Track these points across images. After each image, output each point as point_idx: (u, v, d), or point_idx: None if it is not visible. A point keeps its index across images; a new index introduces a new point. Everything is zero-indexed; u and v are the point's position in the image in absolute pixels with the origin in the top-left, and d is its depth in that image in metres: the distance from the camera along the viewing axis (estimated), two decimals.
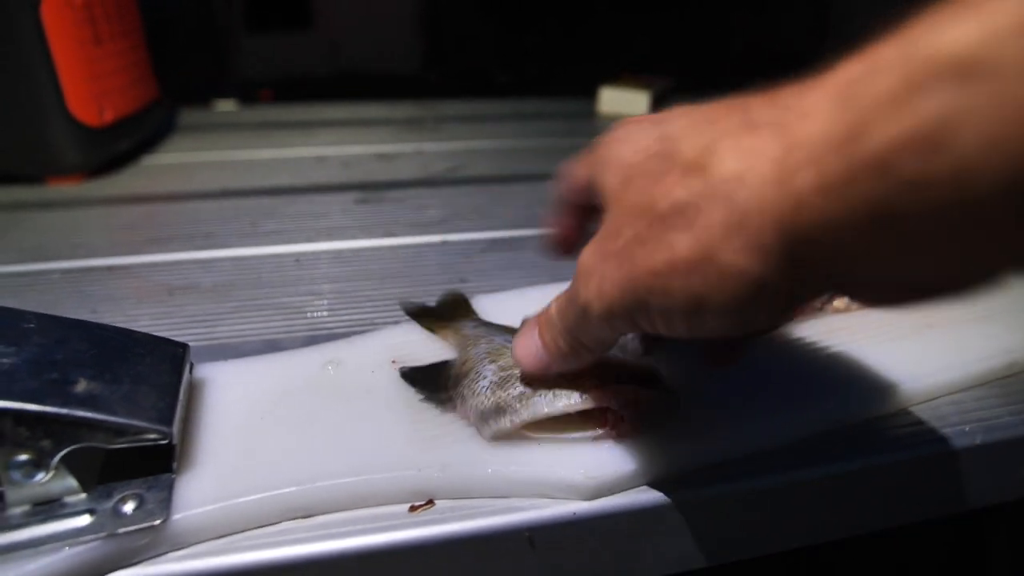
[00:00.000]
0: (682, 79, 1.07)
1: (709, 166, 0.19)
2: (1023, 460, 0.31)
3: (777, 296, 0.18)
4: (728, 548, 0.29)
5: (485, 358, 0.29)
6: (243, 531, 0.25)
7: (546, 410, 0.26)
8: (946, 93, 0.13)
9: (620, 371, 0.27)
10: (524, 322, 0.29)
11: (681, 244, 0.19)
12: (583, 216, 0.29)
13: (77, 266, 0.48)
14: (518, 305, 0.34)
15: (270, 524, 0.26)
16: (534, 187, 0.65)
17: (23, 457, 0.23)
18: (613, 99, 0.96)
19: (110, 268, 0.47)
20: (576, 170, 0.28)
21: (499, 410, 0.27)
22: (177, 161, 0.73)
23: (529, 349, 0.26)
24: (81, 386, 0.24)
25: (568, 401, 0.26)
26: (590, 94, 1.00)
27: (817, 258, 0.17)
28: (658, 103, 0.96)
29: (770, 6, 0.91)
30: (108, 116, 0.66)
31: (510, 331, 0.32)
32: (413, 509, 0.26)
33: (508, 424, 0.27)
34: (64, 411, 0.23)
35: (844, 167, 0.15)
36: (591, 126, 0.93)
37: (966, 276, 0.16)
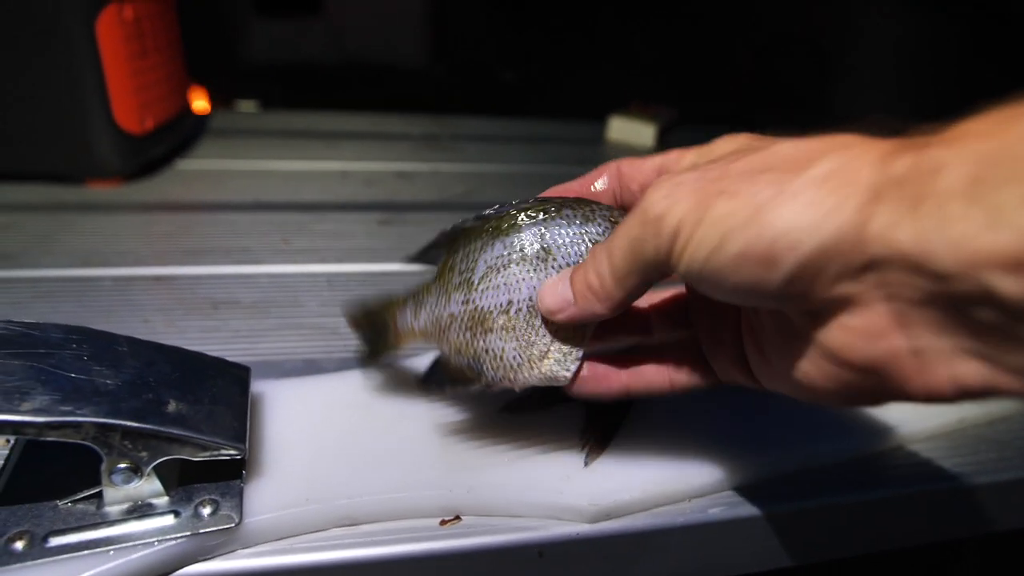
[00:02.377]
0: (686, 109, 1.12)
1: (823, 142, 0.21)
2: (966, 505, 0.37)
3: (813, 249, 0.20)
4: (714, 569, 0.34)
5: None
6: (300, 535, 0.30)
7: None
8: None
9: None
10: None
11: (774, 175, 0.21)
12: None
13: (125, 274, 0.52)
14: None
15: (322, 530, 0.30)
16: None
17: (124, 465, 0.28)
18: (621, 129, 1.00)
19: (157, 278, 0.52)
20: (645, 163, 0.30)
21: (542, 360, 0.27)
22: (208, 167, 0.77)
23: (555, 292, 0.27)
24: (172, 406, 0.29)
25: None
26: (597, 114, 1.04)
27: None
28: (664, 135, 1.01)
29: (771, 47, 0.96)
30: (149, 124, 0.71)
31: (445, 290, 0.30)
32: (443, 523, 0.31)
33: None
34: (162, 429, 0.28)
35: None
36: (599, 153, 0.97)
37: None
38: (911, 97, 0.85)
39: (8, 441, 0.34)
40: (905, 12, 0.82)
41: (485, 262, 0.28)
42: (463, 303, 0.28)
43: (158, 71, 0.73)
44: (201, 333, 0.45)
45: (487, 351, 0.28)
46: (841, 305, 0.21)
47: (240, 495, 0.30)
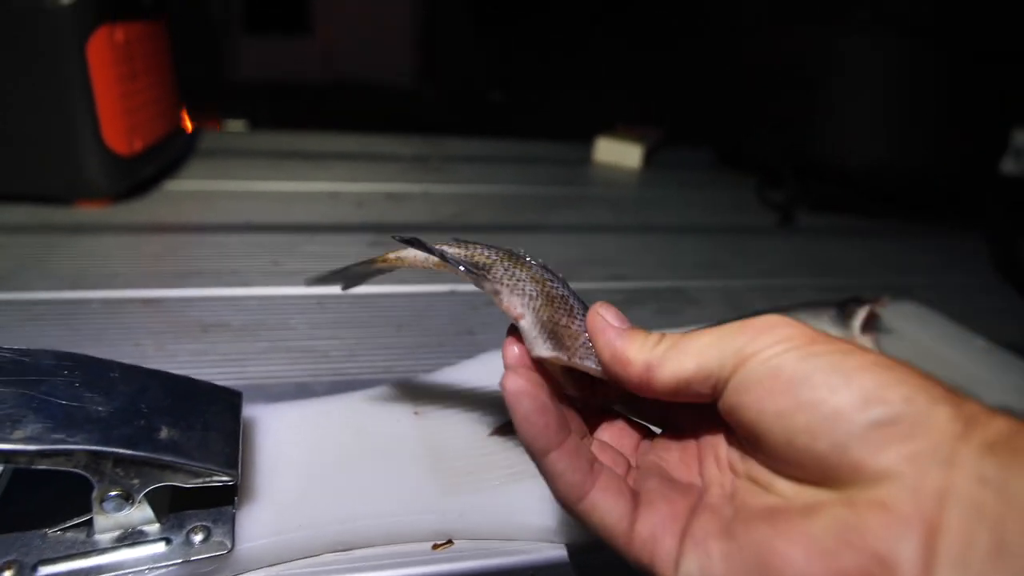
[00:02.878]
0: (673, 130, 1.14)
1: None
2: None
3: None
4: None
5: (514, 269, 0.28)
6: (293, 560, 0.30)
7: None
8: None
9: None
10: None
11: None
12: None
13: (115, 296, 0.52)
14: None
15: (315, 555, 0.30)
16: (535, 239, 0.70)
17: (115, 492, 0.28)
18: (608, 150, 1.02)
19: (146, 301, 0.52)
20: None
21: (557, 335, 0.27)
22: (197, 188, 0.77)
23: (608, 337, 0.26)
24: (164, 433, 0.29)
25: None
26: (584, 135, 1.06)
27: None
28: (651, 154, 1.03)
29: (756, 70, 0.98)
30: (138, 145, 0.71)
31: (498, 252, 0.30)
32: (435, 547, 0.31)
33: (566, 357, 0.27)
34: (154, 456, 0.28)
35: None
36: (586, 174, 0.99)
37: None
38: (890, 125, 0.87)
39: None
40: (890, 41, 0.84)
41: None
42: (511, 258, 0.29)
43: (148, 93, 0.73)
44: (191, 357, 0.45)
45: (512, 276, 0.28)
46: None
47: (232, 521, 0.30)
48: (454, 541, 0.31)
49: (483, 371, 0.42)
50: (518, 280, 0.28)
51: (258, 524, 0.30)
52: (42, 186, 0.67)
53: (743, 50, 1.03)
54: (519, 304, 0.28)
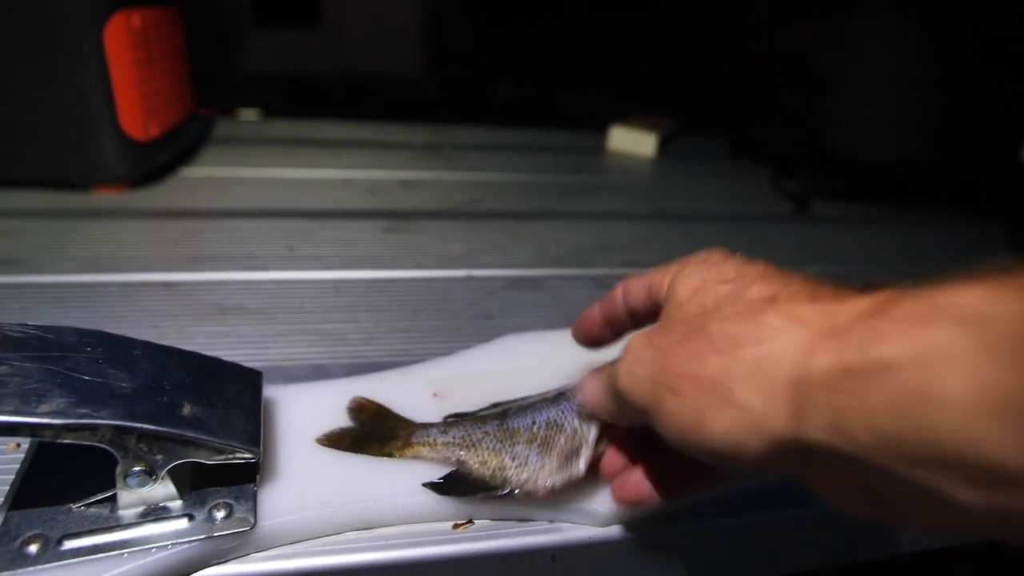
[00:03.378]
0: (686, 121, 1.13)
1: (764, 315, 0.22)
2: None
3: (761, 447, 0.21)
4: (719, 572, 0.34)
5: (501, 445, 0.32)
6: (313, 538, 0.30)
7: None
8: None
9: None
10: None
11: (713, 363, 0.23)
12: (620, 323, 0.33)
13: (133, 280, 0.52)
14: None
15: (336, 533, 0.30)
16: (550, 225, 0.70)
17: (139, 468, 0.28)
18: (622, 138, 1.01)
19: (164, 284, 0.52)
20: (641, 280, 0.31)
21: (563, 467, 0.30)
22: (212, 175, 0.77)
23: (595, 388, 0.30)
24: (187, 410, 0.29)
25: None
26: (596, 126, 1.05)
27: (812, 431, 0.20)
28: (664, 144, 1.02)
29: (769, 62, 0.97)
30: (154, 131, 0.71)
31: (480, 418, 0.34)
32: (456, 527, 0.31)
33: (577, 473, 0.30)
34: (177, 432, 0.28)
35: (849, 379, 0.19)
36: (600, 162, 0.98)
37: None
38: (906, 114, 0.86)
39: (19, 446, 0.34)
40: (902, 31, 0.83)
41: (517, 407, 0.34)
42: (497, 426, 0.33)
43: (163, 78, 0.73)
44: (210, 339, 0.45)
45: (513, 458, 0.31)
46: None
47: (254, 498, 0.30)
48: (474, 521, 0.31)
49: (500, 354, 0.42)
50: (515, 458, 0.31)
51: (279, 502, 0.30)
52: (59, 172, 0.68)
53: (756, 41, 1.02)
54: (528, 490, 0.30)
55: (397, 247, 0.62)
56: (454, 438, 0.33)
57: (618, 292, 0.33)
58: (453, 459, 0.32)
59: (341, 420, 0.35)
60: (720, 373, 0.22)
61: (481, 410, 0.35)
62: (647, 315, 0.32)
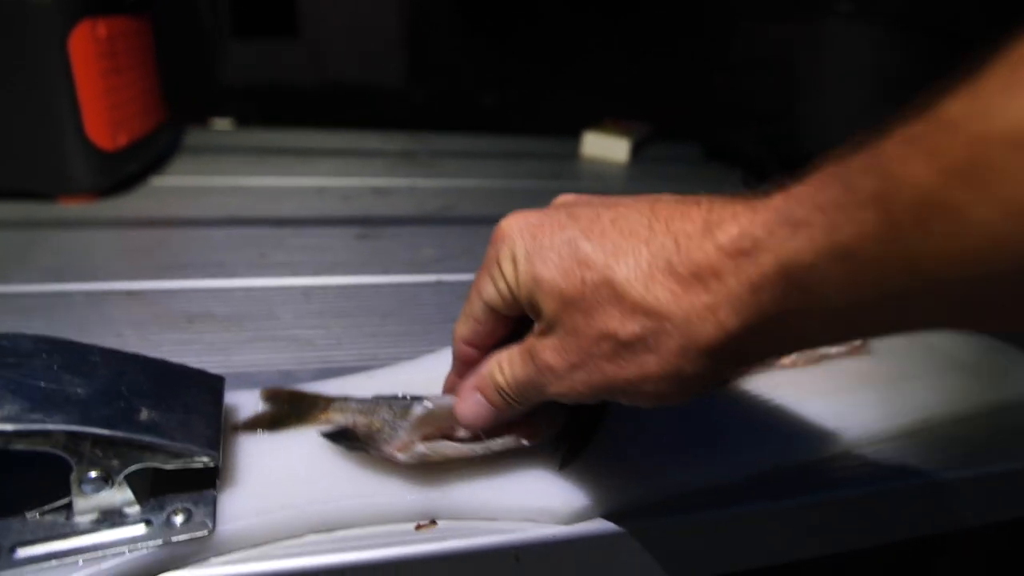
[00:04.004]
0: (661, 126, 1.14)
1: (656, 310, 0.24)
2: (933, 502, 0.37)
3: (716, 379, 0.25)
4: (687, 567, 0.34)
5: (393, 419, 0.33)
6: (274, 541, 0.30)
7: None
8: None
9: None
10: (458, 388, 0.32)
11: (650, 363, 0.25)
12: (499, 328, 0.32)
13: (98, 288, 0.52)
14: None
15: (297, 536, 0.30)
16: None
17: (94, 474, 0.28)
18: (595, 143, 1.02)
19: (129, 293, 0.51)
20: (486, 289, 0.30)
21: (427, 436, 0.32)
22: (183, 184, 0.77)
23: (475, 409, 0.31)
24: (144, 415, 0.29)
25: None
26: (573, 132, 1.06)
27: (740, 357, 0.25)
28: (638, 149, 1.03)
29: (743, 66, 0.99)
30: (122, 140, 0.70)
31: (398, 399, 0.35)
32: (419, 527, 0.31)
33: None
34: (134, 436, 0.27)
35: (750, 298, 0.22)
36: (573, 168, 0.99)
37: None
38: (878, 114, 0.88)
39: None
40: (876, 34, 0.85)
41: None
42: (401, 405, 0.33)
43: (132, 88, 0.72)
44: (175, 347, 0.45)
45: (394, 428, 0.33)
46: None
47: (214, 503, 0.29)
48: (437, 522, 0.31)
49: None
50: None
51: (239, 505, 0.30)
52: (24, 182, 0.67)
53: (728, 43, 1.04)
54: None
55: (368, 253, 0.62)
56: (359, 405, 0.35)
57: (462, 346, 0.32)
58: (352, 422, 0.34)
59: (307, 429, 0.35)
60: (664, 367, 0.25)
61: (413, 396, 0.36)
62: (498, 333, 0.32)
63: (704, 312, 0.23)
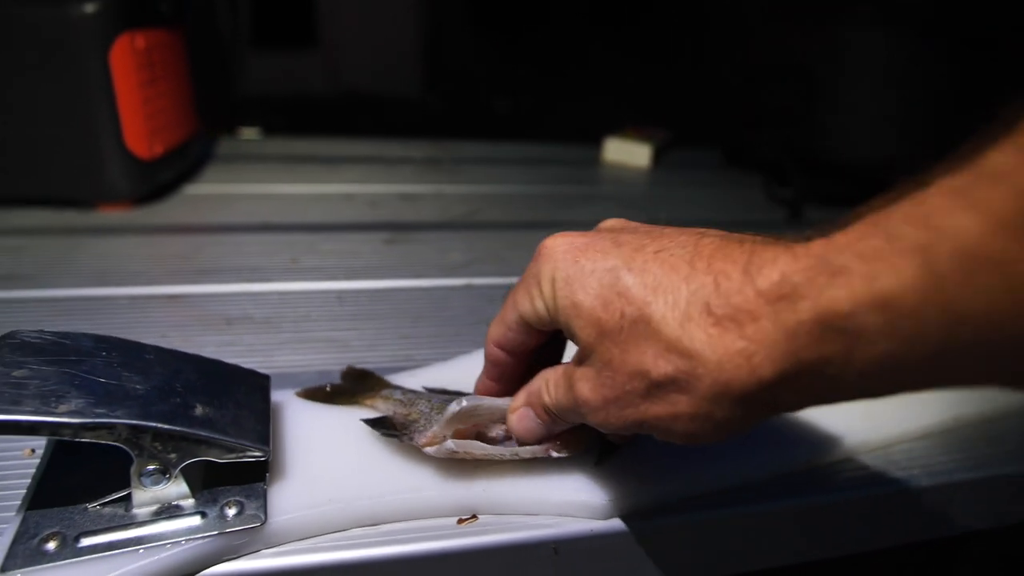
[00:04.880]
0: (680, 132, 1.15)
1: (691, 352, 0.24)
2: (961, 500, 0.38)
3: (748, 424, 0.25)
4: (717, 562, 0.35)
5: (430, 412, 0.34)
6: (323, 535, 0.31)
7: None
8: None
9: None
10: (512, 400, 0.33)
11: (681, 404, 0.25)
12: (531, 339, 0.32)
13: (140, 293, 0.53)
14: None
15: (344, 529, 0.31)
16: (547, 234, 0.71)
17: (153, 467, 0.29)
18: (617, 149, 1.03)
19: (170, 297, 0.53)
20: (523, 304, 0.31)
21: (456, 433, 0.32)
22: (215, 192, 0.79)
23: (526, 423, 0.32)
24: (199, 410, 0.30)
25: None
26: (587, 139, 1.07)
27: (772, 405, 0.24)
28: (659, 155, 1.04)
29: (761, 72, 0.99)
30: (158, 149, 0.72)
31: (439, 392, 0.37)
32: (461, 522, 0.32)
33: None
34: (191, 431, 0.29)
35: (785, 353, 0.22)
36: (595, 174, 1.00)
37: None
38: (897, 117, 0.88)
39: (33, 451, 0.35)
40: (892, 38, 0.85)
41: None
42: (440, 400, 0.36)
43: (167, 98, 0.75)
44: (217, 347, 0.46)
45: (428, 421, 0.34)
46: None
47: (264, 496, 0.31)
48: (479, 516, 0.32)
49: None
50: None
51: (289, 499, 0.31)
52: (65, 190, 0.69)
53: (746, 49, 1.04)
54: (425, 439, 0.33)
55: (398, 258, 0.63)
56: (402, 396, 0.37)
57: (494, 349, 0.33)
58: (392, 411, 0.36)
59: (345, 423, 0.36)
60: (695, 408, 0.25)
61: (454, 392, 0.38)
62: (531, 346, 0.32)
63: (738, 357, 0.23)
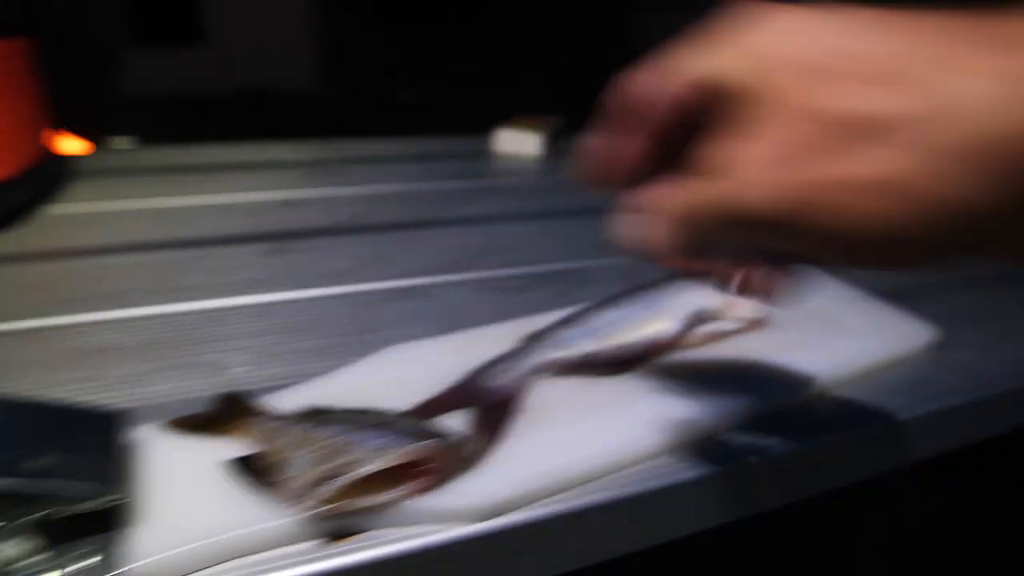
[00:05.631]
0: (572, 119, 1.16)
1: (932, 81, 0.17)
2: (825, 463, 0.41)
3: (967, 237, 0.17)
4: (609, 550, 0.36)
5: (292, 447, 0.33)
6: (197, 570, 0.29)
7: (369, 468, 0.31)
8: None
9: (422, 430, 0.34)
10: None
11: (882, 161, 0.17)
12: (663, 137, 0.26)
13: None
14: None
15: (213, 565, 0.30)
16: (435, 233, 0.71)
17: None
18: (508, 140, 1.03)
19: (26, 331, 0.49)
20: (687, 68, 0.25)
21: (322, 480, 0.31)
22: (78, 212, 0.74)
23: (636, 227, 0.25)
24: (36, 462, 0.28)
25: (385, 458, 0.31)
26: (484, 127, 1.07)
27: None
28: (555, 142, 1.05)
29: (648, 58, 1.02)
30: (2, 173, 0.67)
31: (309, 417, 0.36)
32: (337, 540, 0.31)
33: (336, 486, 0.30)
34: (25, 484, 0.27)
35: None
36: (488, 166, 1.00)
37: None
38: None
39: None
40: None
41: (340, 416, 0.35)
42: (305, 427, 0.34)
43: (11, 116, 0.69)
44: (77, 384, 0.43)
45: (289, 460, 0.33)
46: None
47: (122, 543, 0.29)
48: (357, 534, 0.32)
49: (379, 366, 0.43)
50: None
51: (153, 541, 0.29)
52: None
53: (639, 31, 1.07)
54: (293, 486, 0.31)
55: (279, 269, 0.61)
56: (264, 429, 0.35)
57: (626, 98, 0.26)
58: (262, 446, 0.34)
59: (218, 453, 0.35)
60: (901, 172, 0.17)
61: (323, 411, 0.36)
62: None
63: (1012, 87, 0.16)
